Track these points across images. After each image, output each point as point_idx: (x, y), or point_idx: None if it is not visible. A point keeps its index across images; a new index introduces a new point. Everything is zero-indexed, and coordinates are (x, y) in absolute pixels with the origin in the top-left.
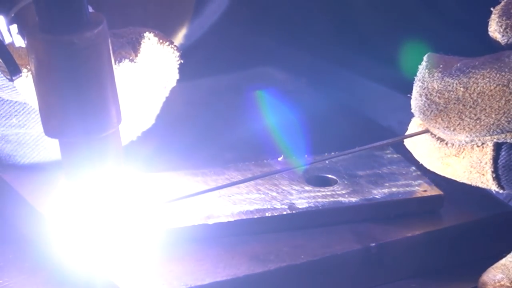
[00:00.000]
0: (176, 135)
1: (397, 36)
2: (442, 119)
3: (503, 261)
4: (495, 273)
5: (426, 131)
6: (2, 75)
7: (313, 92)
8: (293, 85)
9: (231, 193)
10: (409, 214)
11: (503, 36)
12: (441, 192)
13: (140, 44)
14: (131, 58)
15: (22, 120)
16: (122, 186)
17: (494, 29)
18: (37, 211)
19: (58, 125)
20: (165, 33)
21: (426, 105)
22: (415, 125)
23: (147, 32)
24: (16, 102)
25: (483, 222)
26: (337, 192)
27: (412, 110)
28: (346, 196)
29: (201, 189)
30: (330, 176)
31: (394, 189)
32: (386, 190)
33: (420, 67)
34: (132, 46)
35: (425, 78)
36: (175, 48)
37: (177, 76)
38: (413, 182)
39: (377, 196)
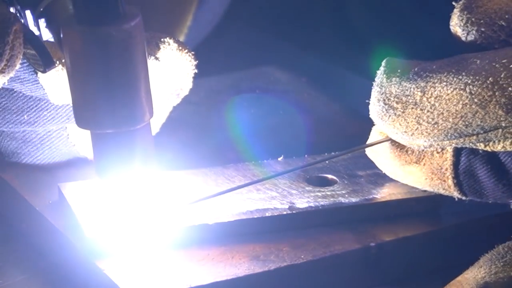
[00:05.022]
0: (176, 134)
1: (397, 37)
2: (400, 124)
3: (459, 278)
4: None
5: (387, 139)
6: (24, 67)
7: (313, 92)
8: (293, 85)
9: (231, 193)
10: (409, 214)
11: (463, 30)
12: None
13: (160, 48)
14: (156, 56)
15: (33, 117)
16: (149, 183)
17: (455, 23)
18: (37, 211)
19: (91, 116)
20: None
21: (384, 110)
22: (376, 133)
23: (167, 38)
24: (30, 98)
25: (483, 222)
26: (337, 192)
27: (371, 116)
28: (346, 196)
29: (202, 189)
30: (330, 176)
31: (394, 189)
32: (386, 190)
33: (378, 72)
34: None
35: (383, 83)
36: (193, 56)
37: (191, 85)
38: None
39: (377, 196)
